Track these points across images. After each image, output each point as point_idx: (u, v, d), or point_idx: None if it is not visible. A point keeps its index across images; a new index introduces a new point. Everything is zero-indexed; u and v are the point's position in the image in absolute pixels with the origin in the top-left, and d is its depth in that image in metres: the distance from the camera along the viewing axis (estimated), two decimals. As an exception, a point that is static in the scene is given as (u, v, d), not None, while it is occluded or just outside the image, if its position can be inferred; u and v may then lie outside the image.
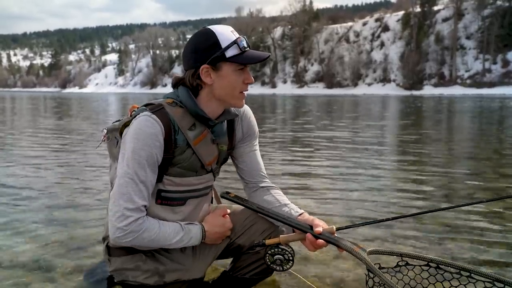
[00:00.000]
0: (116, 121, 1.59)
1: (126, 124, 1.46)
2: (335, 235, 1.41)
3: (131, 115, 1.49)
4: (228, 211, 1.63)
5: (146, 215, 1.42)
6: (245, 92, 1.49)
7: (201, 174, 1.54)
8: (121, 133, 1.48)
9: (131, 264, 1.56)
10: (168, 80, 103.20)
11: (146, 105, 1.47)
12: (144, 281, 1.56)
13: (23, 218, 2.72)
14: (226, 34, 1.41)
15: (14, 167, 4.60)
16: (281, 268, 1.45)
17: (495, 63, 67.40)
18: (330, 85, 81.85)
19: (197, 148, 1.48)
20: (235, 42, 1.40)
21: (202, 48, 1.41)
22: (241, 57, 1.41)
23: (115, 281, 1.61)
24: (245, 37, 1.44)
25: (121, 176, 1.39)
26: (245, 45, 1.41)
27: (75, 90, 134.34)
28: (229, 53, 1.40)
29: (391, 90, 72.77)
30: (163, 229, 1.43)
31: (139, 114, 1.42)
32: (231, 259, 1.75)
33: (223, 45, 1.39)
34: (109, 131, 1.60)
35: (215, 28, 1.43)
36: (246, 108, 1.67)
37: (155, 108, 1.43)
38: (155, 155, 1.40)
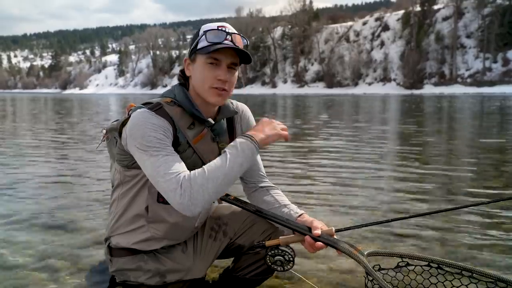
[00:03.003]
0: (115, 121, 1.58)
1: (124, 123, 1.43)
2: (335, 236, 1.39)
3: (128, 114, 1.46)
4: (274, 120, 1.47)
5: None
6: (222, 91, 1.41)
7: None
8: (120, 133, 1.46)
9: (133, 264, 1.57)
10: (168, 81, 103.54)
11: (144, 104, 1.44)
12: (146, 282, 1.57)
13: (24, 219, 2.72)
14: (209, 26, 1.39)
15: (14, 167, 4.62)
16: (281, 269, 1.44)
17: (495, 61, 67.39)
18: (330, 85, 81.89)
19: (197, 147, 1.47)
20: (205, 33, 1.36)
21: (190, 42, 1.43)
22: (209, 47, 1.35)
23: (117, 281, 1.62)
24: (226, 29, 1.39)
25: (147, 166, 1.33)
26: (224, 37, 1.35)
27: (76, 91, 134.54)
28: (200, 44, 1.37)
29: (392, 89, 72.80)
30: (208, 167, 1.32)
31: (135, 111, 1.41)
32: (232, 259, 1.75)
33: (199, 36, 1.38)
34: (108, 131, 1.59)
35: (209, 23, 1.43)
36: (245, 108, 1.67)
37: (155, 107, 1.40)
38: (165, 135, 1.35)
